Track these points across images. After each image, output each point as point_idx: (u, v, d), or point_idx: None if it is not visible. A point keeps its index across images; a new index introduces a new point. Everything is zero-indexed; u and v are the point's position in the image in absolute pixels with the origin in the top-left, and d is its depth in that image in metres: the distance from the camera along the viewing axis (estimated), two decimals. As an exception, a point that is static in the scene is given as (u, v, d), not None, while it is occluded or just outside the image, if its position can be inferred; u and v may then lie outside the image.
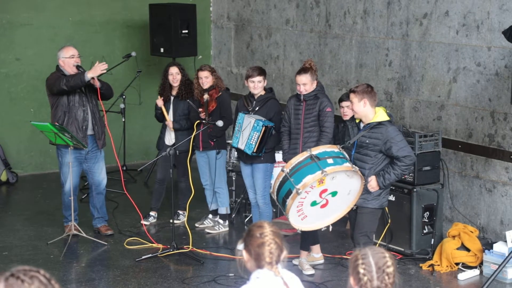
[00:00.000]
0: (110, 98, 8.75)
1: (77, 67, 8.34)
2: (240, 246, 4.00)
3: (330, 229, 8.78)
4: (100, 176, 8.61)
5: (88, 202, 8.92)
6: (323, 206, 6.63)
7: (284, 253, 3.86)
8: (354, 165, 6.60)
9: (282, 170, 6.64)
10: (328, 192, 6.55)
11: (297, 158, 6.65)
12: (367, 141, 6.69)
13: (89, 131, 8.42)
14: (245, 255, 3.87)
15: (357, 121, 6.87)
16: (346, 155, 6.69)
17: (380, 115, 6.71)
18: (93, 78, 8.20)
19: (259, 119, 7.87)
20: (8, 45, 10.94)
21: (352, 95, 6.73)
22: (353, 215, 6.93)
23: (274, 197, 6.79)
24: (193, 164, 8.81)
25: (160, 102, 8.92)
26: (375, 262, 3.43)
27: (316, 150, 6.64)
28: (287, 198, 6.54)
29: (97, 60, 11.22)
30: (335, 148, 6.69)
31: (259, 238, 3.81)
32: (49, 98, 8.45)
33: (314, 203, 6.59)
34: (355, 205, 6.76)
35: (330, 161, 6.52)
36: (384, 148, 6.64)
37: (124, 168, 11.13)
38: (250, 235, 3.85)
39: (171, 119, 8.90)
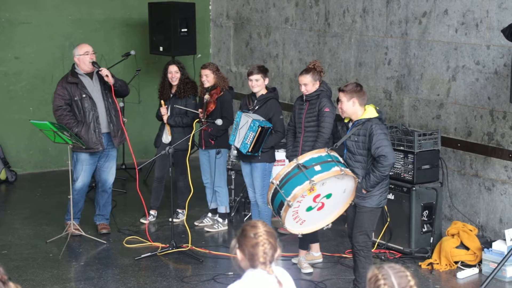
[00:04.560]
0: (126, 95, 8.79)
1: (93, 63, 8.36)
2: (233, 244, 3.97)
3: (330, 226, 8.78)
4: (108, 174, 8.63)
5: (94, 198, 8.96)
6: (319, 208, 6.62)
7: (278, 252, 3.86)
8: (343, 167, 6.54)
9: (272, 182, 6.64)
10: (322, 196, 6.53)
11: (285, 169, 6.62)
12: (356, 138, 6.68)
13: (104, 129, 8.41)
14: (239, 254, 3.87)
15: (346, 120, 6.86)
16: (336, 156, 6.64)
17: (369, 112, 6.68)
18: (107, 75, 8.28)
19: (257, 119, 7.85)
20: (7, 44, 10.94)
21: (341, 94, 6.70)
22: (350, 214, 6.92)
23: (270, 207, 6.80)
24: (192, 163, 8.81)
25: (164, 110, 8.89)
26: (397, 282, 3.34)
27: (302, 159, 6.59)
28: (280, 210, 6.55)
29: (97, 59, 11.30)
30: (322, 153, 6.63)
31: (253, 239, 3.80)
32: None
33: (309, 208, 6.58)
34: (352, 201, 6.75)
35: (317, 168, 6.48)
36: (368, 144, 6.62)
37: (124, 166, 11.13)
38: (243, 235, 3.84)
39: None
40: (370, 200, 6.70)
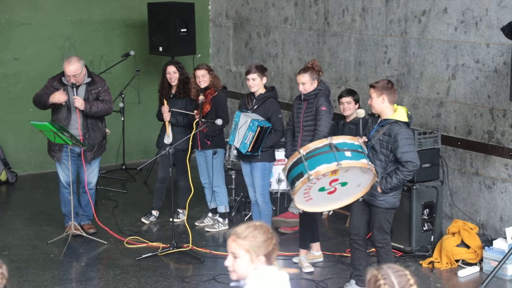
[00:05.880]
0: (106, 115, 8.66)
1: (72, 85, 8.30)
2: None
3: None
4: (90, 176, 8.58)
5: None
6: (330, 192, 6.58)
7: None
8: (370, 162, 6.51)
9: (298, 151, 6.54)
10: (339, 182, 6.49)
11: (315, 143, 6.53)
12: (381, 137, 6.66)
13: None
14: (255, 258, 3.85)
15: (377, 115, 6.83)
16: (365, 150, 6.62)
17: (399, 113, 6.65)
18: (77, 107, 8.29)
19: (256, 119, 7.85)
20: (6, 45, 10.93)
21: (371, 90, 6.69)
22: (356, 212, 6.91)
23: (284, 174, 6.70)
24: (192, 163, 8.81)
25: (165, 109, 8.85)
26: (397, 282, 3.34)
27: (336, 140, 6.51)
28: (297, 180, 6.46)
29: (96, 59, 11.33)
30: (355, 141, 6.57)
31: (270, 238, 3.85)
32: None
33: (322, 189, 6.54)
34: (362, 197, 6.73)
35: (348, 154, 6.42)
36: (393, 147, 6.60)
37: (124, 167, 11.13)
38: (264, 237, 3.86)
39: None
40: (384, 201, 6.71)
